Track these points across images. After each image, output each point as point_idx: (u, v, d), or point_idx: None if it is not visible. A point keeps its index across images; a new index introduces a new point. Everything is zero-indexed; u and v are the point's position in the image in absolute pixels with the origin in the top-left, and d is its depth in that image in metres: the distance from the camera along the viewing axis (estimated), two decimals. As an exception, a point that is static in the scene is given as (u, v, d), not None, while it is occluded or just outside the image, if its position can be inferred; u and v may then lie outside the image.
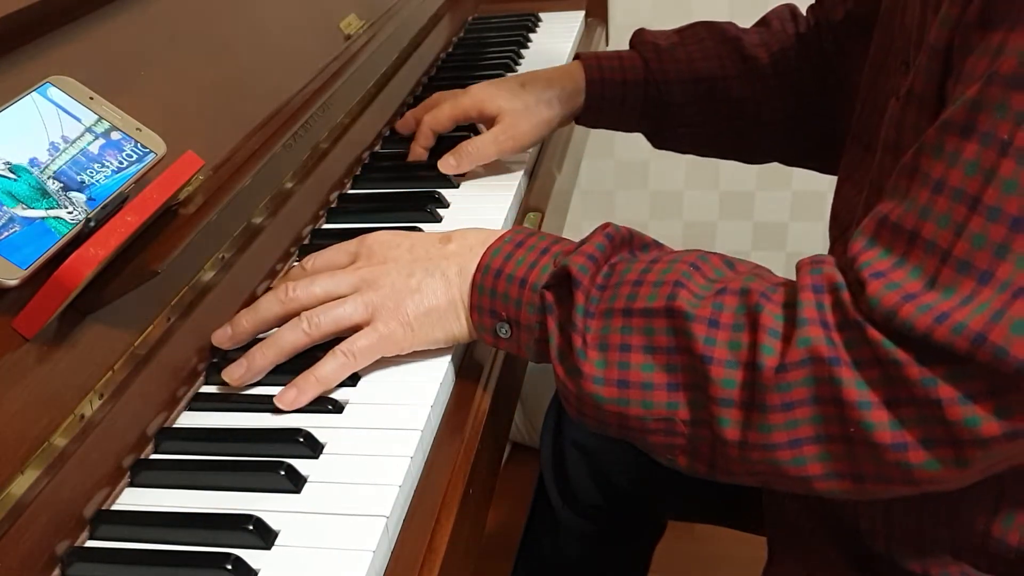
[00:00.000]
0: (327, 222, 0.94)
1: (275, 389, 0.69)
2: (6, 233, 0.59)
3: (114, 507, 0.62)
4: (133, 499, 0.63)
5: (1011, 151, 0.53)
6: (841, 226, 0.82)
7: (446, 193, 0.96)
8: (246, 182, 0.78)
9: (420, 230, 0.89)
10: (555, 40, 1.40)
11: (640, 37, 1.07)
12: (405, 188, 0.98)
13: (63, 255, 0.59)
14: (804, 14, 1.05)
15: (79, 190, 0.64)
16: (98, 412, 0.62)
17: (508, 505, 1.15)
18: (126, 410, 0.64)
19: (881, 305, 0.55)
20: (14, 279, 0.57)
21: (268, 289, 0.82)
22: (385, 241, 0.75)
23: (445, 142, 1.02)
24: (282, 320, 0.72)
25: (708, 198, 1.95)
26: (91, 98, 0.68)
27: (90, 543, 0.60)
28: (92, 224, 0.62)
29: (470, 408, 0.70)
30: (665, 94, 1.03)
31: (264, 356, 0.70)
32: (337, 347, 0.69)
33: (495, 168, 1.01)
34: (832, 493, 0.60)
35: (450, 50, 1.38)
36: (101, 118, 0.68)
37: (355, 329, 0.70)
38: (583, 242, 0.68)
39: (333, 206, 0.96)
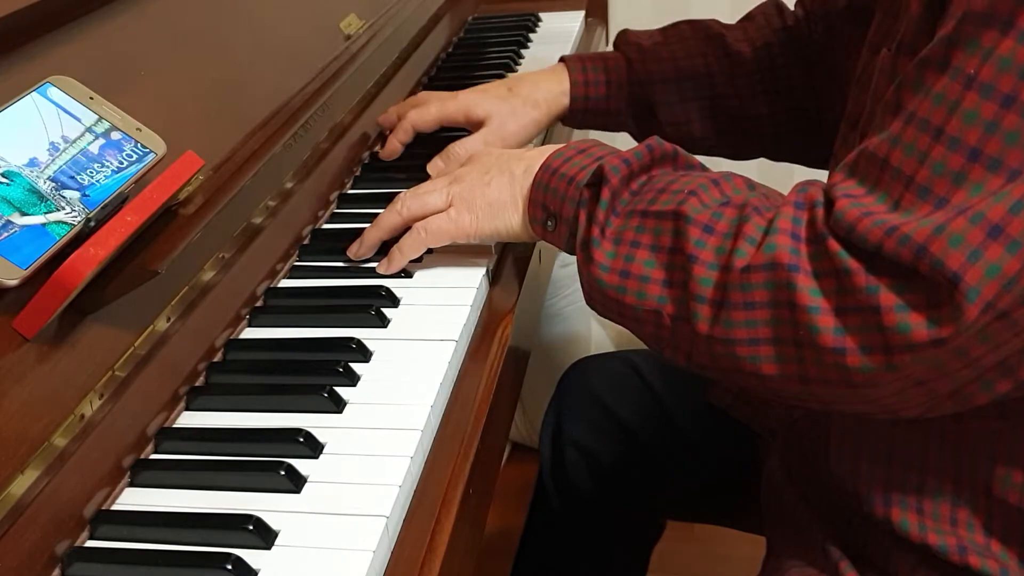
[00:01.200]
0: (327, 222, 0.94)
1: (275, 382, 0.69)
2: (6, 234, 0.59)
3: (114, 507, 0.62)
4: (133, 499, 0.63)
5: (975, 85, 0.56)
6: None
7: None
8: (246, 182, 0.78)
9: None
10: (555, 40, 1.40)
11: (624, 38, 1.08)
12: (406, 188, 0.98)
13: (63, 255, 0.59)
14: (791, 9, 1.05)
15: (78, 191, 0.64)
16: (98, 412, 0.62)
17: (508, 505, 1.15)
18: (126, 410, 0.64)
19: (844, 219, 0.59)
20: (14, 279, 0.57)
21: (269, 289, 0.83)
22: (486, 150, 0.87)
23: (430, 143, 1.03)
24: (400, 229, 0.82)
25: (708, 198, 1.95)
26: (91, 98, 0.68)
27: (90, 543, 0.60)
28: (92, 224, 0.62)
29: (470, 408, 0.70)
30: (650, 94, 1.04)
31: (372, 234, 0.83)
32: (416, 225, 0.81)
33: None
34: (783, 393, 0.65)
35: (450, 50, 1.38)
36: (101, 118, 0.68)
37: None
38: (628, 150, 0.73)
39: (333, 206, 0.96)
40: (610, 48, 1.55)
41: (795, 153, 1.09)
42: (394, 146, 1.03)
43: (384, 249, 0.84)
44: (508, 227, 0.80)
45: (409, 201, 0.82)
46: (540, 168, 0.77)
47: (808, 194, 0.63)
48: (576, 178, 0.74)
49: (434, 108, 1.04)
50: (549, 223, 0.76)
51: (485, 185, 0.80)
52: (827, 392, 0.62)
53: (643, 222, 0.69)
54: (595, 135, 1.24)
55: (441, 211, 0.80)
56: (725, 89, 1.04)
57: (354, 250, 0.84)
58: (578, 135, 1.23)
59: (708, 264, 0.64)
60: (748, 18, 1.07)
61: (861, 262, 0.58)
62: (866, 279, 0.58)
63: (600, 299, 0.71)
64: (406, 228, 0.82)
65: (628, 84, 1.05)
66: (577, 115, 1.06)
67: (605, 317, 0.73)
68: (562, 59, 1.07)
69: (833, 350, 0.59)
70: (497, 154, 0.83)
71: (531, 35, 1.42)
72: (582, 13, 1.48)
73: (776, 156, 1.11)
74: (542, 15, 1.48)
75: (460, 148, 0.99)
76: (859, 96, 0.81)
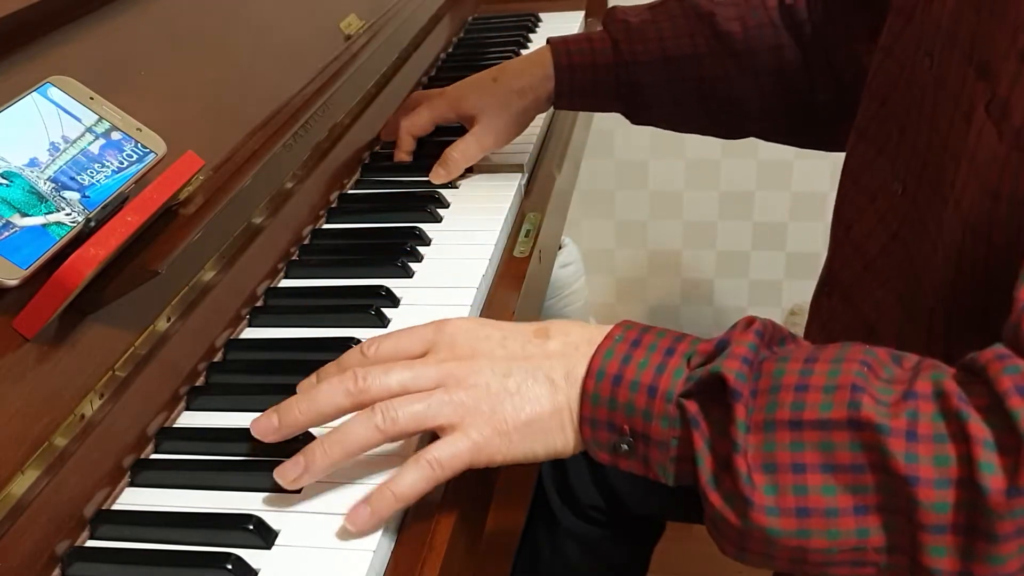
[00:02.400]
0: (327, 222, 0.94)
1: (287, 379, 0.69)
2: (6, 233, 0.59)
3: (114, 507, 0.62)
4: (133, 499, 0.63)
5: None
6: (846, 228, 0.81)
7: (446, 193, 0.96)
8: (246, 182, 0.78)
9: (420, 230, 0.89)
10: (555, 40, 1.40)
11: (611, 15, 1.05)
12: (405, 188, 0.99)
13: (63, 255, 0.59)
14: None
15: (78, 191, 0.64)
16: (98, 412, 0.62)
17: (508, 505, 1.15)
18: (126, 410, 0.64)
19: None
20: (14, 279, 0.57)
21: (269, 289, 0.82)
22: (470, 331, 0.63)
23: (428, 145, 1.03)
24: (345, 414, 0.61)
25: (708, 198, 1.95)
26: (91, 98, 0.68)
27: (90, 543, 0.60)
28: (92, 224, 0.62)
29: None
30: (636, 75, 1.02)
31: (327, 455, 0.59)
32: (420, 453, 0.59)
33: (495, 168, 1.01)
34: None
35: (450, 50, 1.38)
36: (101, 118, 0.68)
37: (432, 432, 0.61)
38: (727, 340, 0.57)
39: (333, 206, 0.96)
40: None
41: (787, 135, 1.07)
42: (401, 158, 1.04)
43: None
44: (551, 451, 0.60)
45: (396, 412, 0.59)
46: (589, 376, 0.58)
47: None
48: (659, 387, 0.56)
49: (424, 111, 1.03)
50: (623, 446, 0.58)
51: (511, 395, 0.59)
52: None
53: (798, 435, 0.53)
54: (594, 134, 1.24)
55: (442, 428, 0.60)
56: (713, 71, 1.01)
57: (267, 434, 0.62)
58: (579, 135, 1.23)
59: (935, 483, 0.50)
60: None
61: None
62: None
63: (762, 548, 0.54)
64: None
65: (615, 66, 1.02)
66: (563, 98, 1.04)
67: (761, 566, 0.57)
68: (548, 41, 1.05)
69: None
70: (499, 339, 0.62)
71: (531, 35, 1.42)
72: (582, 13, 1.48)
73: (767, 137, 1.09)
74: (542, 15, 1.48)
75: (457, 153, 0.98)
76: (878, 113, 0.78)
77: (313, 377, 0.65)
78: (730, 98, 1.02)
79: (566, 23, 1.46)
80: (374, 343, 0.63)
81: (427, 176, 0.99)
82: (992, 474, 0.48)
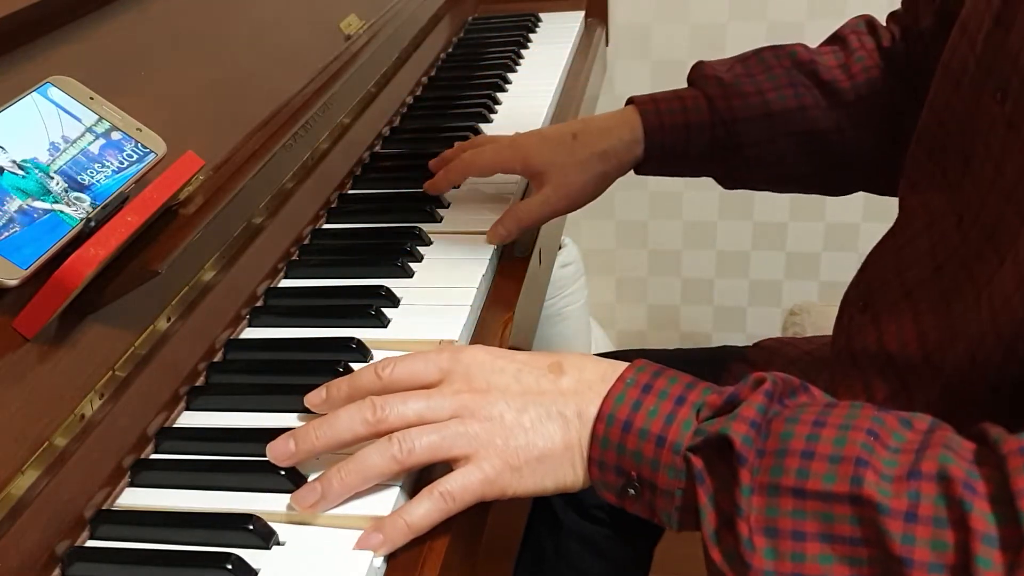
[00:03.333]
0: (327, 222, 0.94)
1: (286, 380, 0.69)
2: (7, 233, 0.59)
3: (114, 507, 0.62)
4: (133, 499, 0.63)
5: None
6: (897, 247, 0.77)
7: (447, 194, 0.96)
8: (246, 182, 0.78)
9: (420, 230, 0.89)
10: (555, 40, 1.40)
11: (700, 71, 0.96)
12: (406, 188, 0.98)
13: (63, 255, 0.59)
14: (884, 24, 0.96)
15: (80, 190, 0.64)
16: (98, 412, 0.62)
17: (508, 505, 1.15)
18: (126, 410, 0.64)
19: None
20: (14, 279, 0.57)
21: (269, 289, 0.82)
22: (485, 363, 0.63)
23: (435, 143, 1.01)
24: (361, 441, 0.61)
25: (708, 198, 1.95)
26: (91, 98, 0.68)
27: (90, 543, 0.60)
28: (92, 224, 0.62)
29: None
30: (735, 134, 0.93)
31: (343, 482, 0.59)
32: (433, 485, 0.59)
33: (484, 198, 1.00)
34: None
35: (450, 50, 1.38)
36: (101, 118, 0.68)
37: (445, 463, 0.61)
38: (736, 397, 0.57)
39: (333, 206, 0.96)
40: (609, 48, 1.56)
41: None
42: (440, 184, 0.94)
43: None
44: (560, 486, 0.61)
45: (414, 442, 0.59)
46: (599, 420, 0.59)
47: None
48: (667, 438, 0.57)
49: (489, 152, 0.92)
50: (630, 491, 0.59)
51: (524, 430, 0.60)
52: None
53: (801, 504, 0.53)
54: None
55: (455, 459, 0.60)
56: (822, 123, 0.93)
57: (284, 459, 0.61)
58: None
59: (928, 566, 0.49)
60: (838, 39, 0.96)
61: None
62: None
63: None
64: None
65: (711, 126, 0.93)
66: (652, 163, 0.94)
67: None
68: (632, 100, 0.96)
69: None
70: (514, 372, 0.62)
71: (531, 35, 1.42)
72: (582, 13, 1.48)
73: (880, 190, 0.99)
74: (542, 15, 1.48)
75: (523, 214, 0.87)
76: (938, 126, 0.75)
77: (322, 391, 0.64)
78: (843, 151, 0.95)
79: (566, 23, 1.46)
80: (389, 364, 0.63)
81: (427, 178, 0.99)
82: (988, 570, 0.48)
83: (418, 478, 0.62)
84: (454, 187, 0.95)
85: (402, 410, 0.60)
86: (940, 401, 0.58)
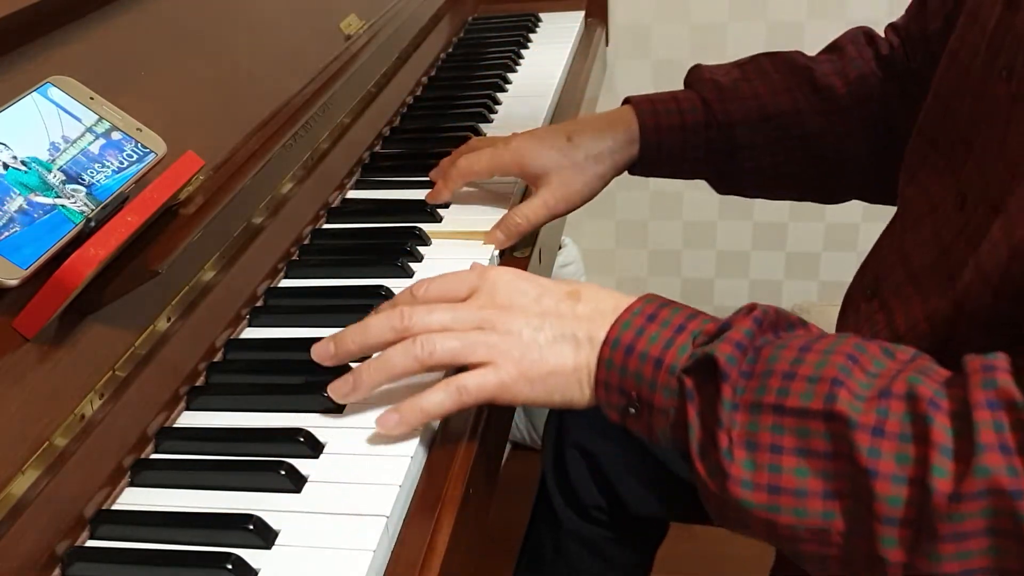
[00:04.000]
0: (327, 222, 0.94)
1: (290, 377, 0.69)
2: (7, 233, 0.59)
3: (114, 507, 0.62)
4: (133, 499, 0.63)
5: None
6: (900, 233, 0.78)
7: (427, 229, 0.95)
8: (246, 182, 0.78)
9: (420, 230, 0.89)
10: (555, 40, 1.40)
11: (697, 74, 0.97)
12: (406, 189, 0.98)
13: (63, 255, 0.59)
14: (882, 35, 0.96)
15: (80, 185, 0.64)
16: (98, 412, 0.62)
17: (509, 505, 1.15)
18: (126, 410, 0.64)
19: None
20: (14, 279, 0.57)
21: (269, 289, 0.82)
22: (509, 282, 0.68)
23: (438, 143, 1.01)
24: (391, 346, 0.66)
25: (708, 198, 1.95)
26: (91, 98, 0.68)
27: (90, 543, 0.60)
28: (92, 224, 0.62)
29: (470, 408, 0.70)
30: (730, 137, 0.94)
31: (371, 377, 0.66)
32: (452, 378, 0.64)
33: (483, 198, 1.00)
34: None
35: (450, 50, 1.38)
36: (101, 118, 0.68)
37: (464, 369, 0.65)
38: (728, 324, 0.61)
39: (333, 206, 0.96)
40: (609, 48, 1.56)
41: (894, 195, 0.98)
42: (441, 192, 0.94)
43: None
44: (567, 401, 0.66)
45: (435, 343, 0.65)
46: (606, 343, 0.63)
47: (1001, 391, 0.52)
48: (665, 360, 0.61)
49: (486, 156, 0.92)
50: (631, 410, 0.63)
51: (540, 347, 0.65)
52: None
53: (779, 420, 0.57)
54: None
55: (475, 366, 0.65)
56: (819, 128, 0.93)
57: (343, 391, 0.67)
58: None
59: (893, 478, 0.53)
60: (835, 48, 0.97)
61: None
62: None
63: (738, 516, 0.59)
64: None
65: (706, 128, 0.94)
66: (647, 164, 0.95)
67: (740, 532, 0.61)
68: (628, 100, 0.96)
69: None
70: (536, 295, 0.67)
71: (531, 35, 1.42)
72: (582, 13, 1.48)
73: (875, 198, 1.01)
74: (542, 15, 1.48)
75: (521, 218, 0.88)
76: (938, 112, 0.76)
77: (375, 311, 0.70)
78: (839, 157, 0.95)
79: (566, 23, 1.46)
80: (423, 284, 0.69)
81: (427, 176, 0.99)
82: (942, 478, 0.51)
83: (420, 473, 0.62)
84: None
85: (427, 319, 0.66)
86: (946, 365, 0.60)
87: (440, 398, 0.64)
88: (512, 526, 1.11)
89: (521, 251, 0.89)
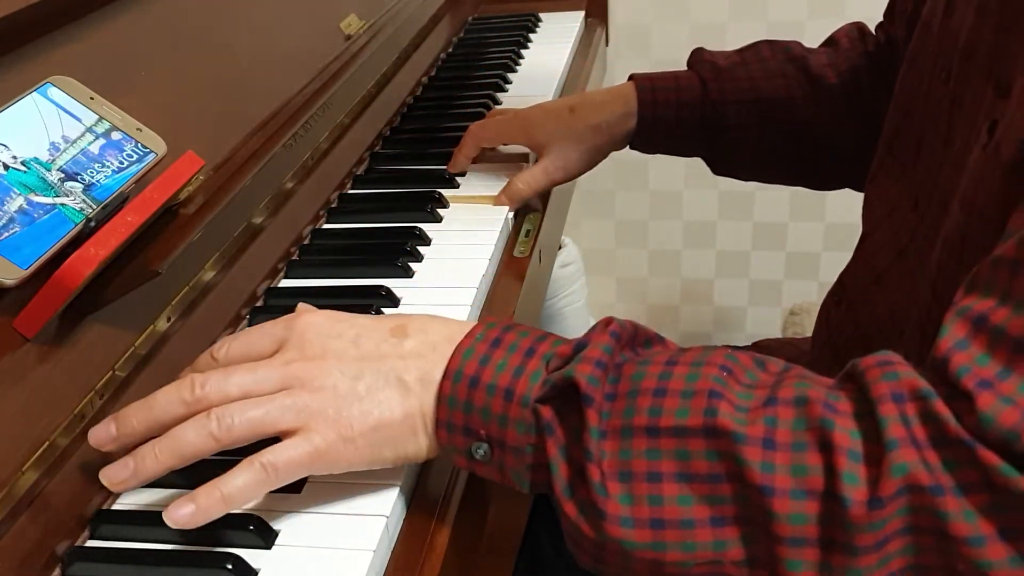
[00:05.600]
0: (327, 222, 0.94)
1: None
2: (7, 233, 0.59)
3: (114, 507, 0.62)
4: (133, 499, 0.63)
5: None
6: (862, 238, 0.80)
7: (446, 194, 0.96)
8: (246, 182, 0.78)
9: (420, 230, 0.89)
10: (555, 40, 1.40)
11: (698, 56, 1.01)
12: (406, 188, 0.99)
13: (63, 255, 0.59)
14: (874, 32, 1.00)
15: (83, 187, 0.64)
16: (98, 412, 0.62)
17: (509, 505, 1.15)
18: (126, 410, 0.64)
19: (998, 424, 0.45)
20: (14, 279, 0.57)
21: (269, 289, 0.82)
22: (321, 327, 0.59)
23: (438, 142, 1.03)
24: (183, 421, 0.57)
25: (708, 198, 1.95)
26: (91, 98, 0.68)
27: (90, 543, 0.60)
28: (92, 224, 0.63)
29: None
30: (724, 116, 0.98)
31: (157, 460, 0.56)
32: (255, 456, 0.55)
33: (494, 169, 1.01)
34: None
35: (450, 50, 1.38)
36: (101, 118, 0.68)
37: (275, 439, 0.57)
38: (583, 342, 0.55)
39: (333, 206, 0.96)
40: (609, 47, 1.56)
41: None
42: (459, 160, 1.00)
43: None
44: (401, 456, 0.58)
45: (232, 417, 0.55)
46: (446, 377, 0.56)
47: (904, 381, 0.48)
48: (515, 391, 0.54)
49: (492, 126, 1.00)
50: (478, 451, 0.55)
51: (359, 398, 0.56)
52: None
53: (654, 443, 0.51)
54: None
55: (285, 433, 0.56)
56: (809, 115, 0.97)
57: (104, 443, 0.58)
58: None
59: (791, 493, 0.48)
60: (831, 42, 1.01)
61: None
62: None
63: (618, 560, 0.52)
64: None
65: (701, 105, 0.97)
66: (644, 137, 0.99)
67: None
68: (631, 77, 1.00)
69: None
70: (352, 336, 0.59)
71: (531, 35, 1.42)
72: (582, 13, 1.48)
73: (861, 186, 1.01)
74: (542, 15, 1.48)
75: (523, 184, 0.93)
76: (896, 117, 0.77)
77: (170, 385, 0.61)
78: (827, 144, 0.98)
79: (566, 23, 1.46)
80: (225, 344, 0.60)
81: (428, 177, 0.99)
82: (855, 486, 0.47)
83: (419, 472, 0.62)
84: (472, 161, 1.01)
85: (223, 386, 0.57)
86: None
87: (243, 481, 0.55)
88: (511, 525, 1.11)
89: (521, 252, 0.89)
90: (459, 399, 0.56)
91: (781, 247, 1.98)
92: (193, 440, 0.56)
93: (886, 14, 0.99)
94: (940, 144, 0.68)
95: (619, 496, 0.51)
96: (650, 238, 2.02)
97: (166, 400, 0.57)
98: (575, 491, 0.53)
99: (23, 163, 0.62)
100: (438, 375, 0.57)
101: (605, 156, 0.99)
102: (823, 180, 1.05)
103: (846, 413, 0.49)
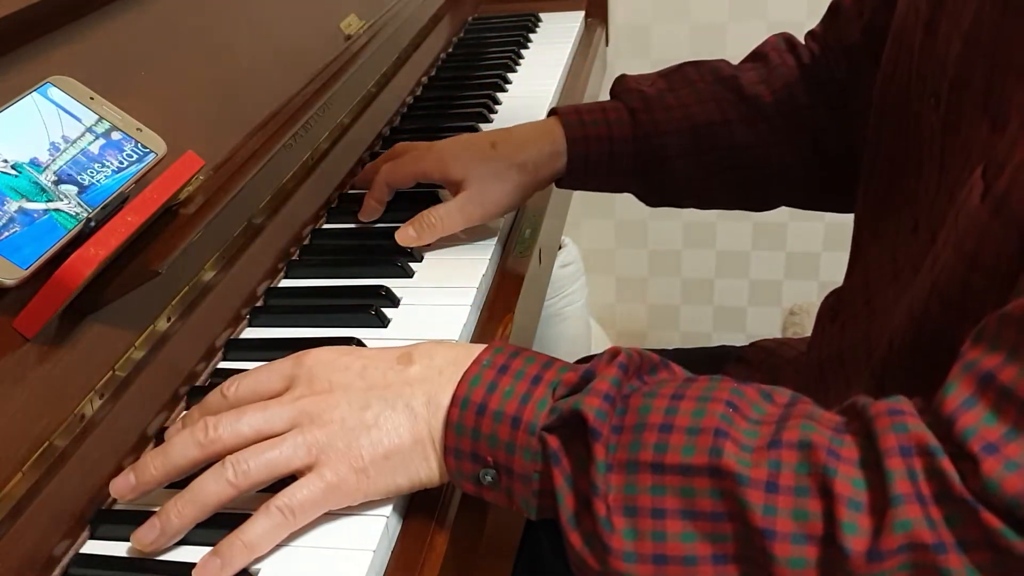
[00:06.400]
0: (327, 222, 0.94)
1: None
2: (7, 233, 0.59)
3: (114, 507, 0.62)
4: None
5: None
6: (863, 257, 0.79)
7: (446, 193, 0.96)
8: (246, 182, 0.78)
9: (420, 230, 0.88)
10: (555, 40, 1.40)
11: (623, 85, 0.95)
12: (406, 188, 0.98)
13: (63, 255, 0.59)
14: (803, 42, 0.96)
15: (79, 190, 0.64)
16: (98, 412, 0.62)
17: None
18: (126, 410, 0.64)
19: (1003, 490, 0.45)
20: (14, 279, 0.57)
21: (269, 289, 0.82)
22: (328, 362, 0.60)
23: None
24: (200, 465, 0.58)
25: (708, 198, 1.95)
26: (91, 98, 0.68)
27: (90, 543, 0.60)
28: (92, 224, 0.62)
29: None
30: (658, 148, 0.92)
31: (180, 515, 0.56)
32: (271, 502, 0.56)
33: None
34: None
35: (450, 50, 1.38)
36: (101, 118, 0.68)
37: (292, 476, 0.58)
38: (591, 372, 0.56)
39: (334, 206, 0.96)
40: (610, 48, 1.56)
41: (828, 201, 0.98)
42: (371, 206, 0.91)
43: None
44: (414, 482, 0.58)
45: (247, 463, 0.56)
46: (453, 404, 0.57)
47: (913, 436, 0.48)
48: (522, 418, 0.55)
49: (408, 163, 0.90)
50: (486, 477, 0.56)
51: (368, 428, 0.57)
52: None
53: (660, 479, 0.51)
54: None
55: (299, 471, 0.57)
56: (746, 138, 0.92)
57: (124, 493, 0.59)
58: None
59: (792, 537, 0.48)
60: (759, 57, 0.96)
61: None
62: None
63: None
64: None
65: (633, 140, 0.92)
66: (574, 177, 0.93)
67: None
68: (554, 111, 0.94)
69: None
70: (359, 368, 0.60)
71: (531, 35, 1.42)
72: (582, 13, 1.48)
73: (804, 205, 1.01)
74: (542, 15, 1.48)
75: (435, 219, 0.85)
76: (886, 131, 0.76)
77: (179, 423, 0.63)
78: (766, 166, 0.94)
79: (566, 23, 1.46)
80: (234, 383, 0.61)
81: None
82: (855, 535, 0.47)
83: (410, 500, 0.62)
84: (384, 203, 0.92)
85: (236, 427, 0.58)
86: (909, 384, 0.59)
87: (263, 528, 0.55)
88: (511, 525, 1.11)
89: (521, 252, 0.89)
90: (467, 426, 0.56)
91: (781, 247, 1.98)
92: (213, 490, 0.56)
93: (825, 22, 0.95)
94: (936, 170, 0.67)
95: (624, 531, 0.51)
96: (650, 238, 2.02)
97: (181, 445, 0.58)
98: (580, 522, 0.53)
99: (14, 167, 0.62)
100: (445, 400, 0.57)
101: (528, 197, 0.91)
102: (765, 201, 1.00)
103: (850, 461, 0.49)
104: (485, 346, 0.60)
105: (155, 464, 0.58)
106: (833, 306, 0.85)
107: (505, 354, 0.58)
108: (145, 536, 0.57)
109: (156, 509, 0.61)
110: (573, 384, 0.55)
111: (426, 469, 0.58)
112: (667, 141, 0.92)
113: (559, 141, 0.91)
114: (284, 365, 0.61)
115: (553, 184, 0.95)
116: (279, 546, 0.58)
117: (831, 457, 0.49)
